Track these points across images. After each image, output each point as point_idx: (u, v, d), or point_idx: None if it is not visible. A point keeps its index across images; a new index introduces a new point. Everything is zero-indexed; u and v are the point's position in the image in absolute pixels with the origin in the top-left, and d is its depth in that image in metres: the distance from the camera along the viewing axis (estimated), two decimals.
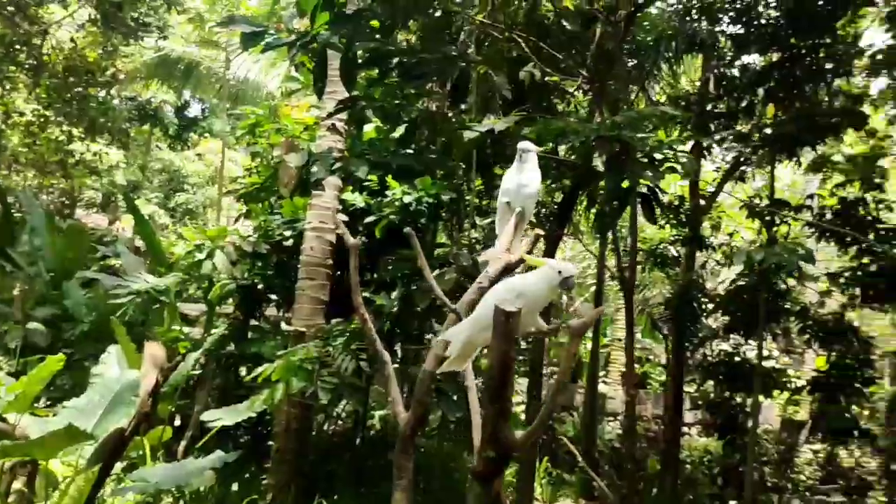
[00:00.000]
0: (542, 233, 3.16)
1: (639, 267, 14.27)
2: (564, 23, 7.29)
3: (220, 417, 7.32)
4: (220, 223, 17.62)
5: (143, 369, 4.73)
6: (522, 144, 3.12)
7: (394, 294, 7.32)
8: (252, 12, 16.10)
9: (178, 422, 9.06)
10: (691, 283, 11.49)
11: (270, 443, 8.12)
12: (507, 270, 2.95)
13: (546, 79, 7.01)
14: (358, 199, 8.09)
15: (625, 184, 4.92)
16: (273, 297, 9.11)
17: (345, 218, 8.21)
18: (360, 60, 5.31)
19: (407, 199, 7.62)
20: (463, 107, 6.83)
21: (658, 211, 5.79)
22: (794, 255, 7.53)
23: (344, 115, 7.65)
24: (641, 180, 4.77)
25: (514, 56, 7.09)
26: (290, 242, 8.45)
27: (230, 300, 9.34)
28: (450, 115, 6.27)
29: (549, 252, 10.84)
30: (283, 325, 8.52)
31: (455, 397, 6.75)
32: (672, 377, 12.17)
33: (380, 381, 10.95)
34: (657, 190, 5.12)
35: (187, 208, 21.83)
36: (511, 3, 6.47)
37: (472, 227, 10.60)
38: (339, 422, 10.77)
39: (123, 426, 4.46)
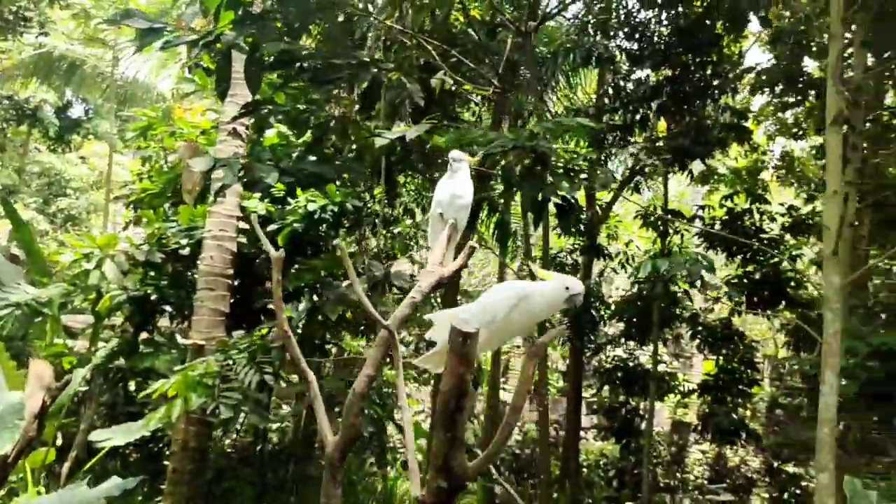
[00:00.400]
0: (476, 245, 3.09)
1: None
2: (471, 31, 7.29)
3: (111, 437, 6.87)
4: (107, 230, 16.72)
5: (27, 390, 4.34)
6: (454, 154, 3.04)
7: (301, 305, 7.10)
8: (141, 9, 15.34)
9: (59, 441, 8.48)
10: (590, 291, 11.75)
11: (166, 462, 7.72)
12: (440, 284, 2.87)
13: (454, 87, 6.99)
14: (260, 207, 7.83)
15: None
16: (167, 308, 8.67)
17: (245, 226, 7.96)
18: (266, 62, 5.12)
19: (311, 206, 7.43)
20: (371, 113, 6.71)
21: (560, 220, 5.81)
22: (697, 264, 7.81)
23: (245, 119, 7.41)
24: (559, 191, 4.81)
25: (421, 63, 7.04)
26: (186, 251, 8.08)
27: (119, 312, 8.84)
28: (359, 121, 6.13)
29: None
30: (180, 339, 8.12)
31: (366, 412, 6.59)
32: (571, 383, 12.42)
33: (280, 393, 10.66)
34: (573, 201, 5.17)
35: (69, 214, 20.61)
36: (422, 11, 6.40)
37: (374, 236, 10.49)
38: (236, 436, 10.40)
39: (6, 453, 4.08)
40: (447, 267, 2.87)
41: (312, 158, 7.17)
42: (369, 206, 9.97)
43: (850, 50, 10.24)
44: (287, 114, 5.25)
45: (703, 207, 11.80)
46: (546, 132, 4.84)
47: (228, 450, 10.34)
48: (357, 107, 6.59)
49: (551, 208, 5.19)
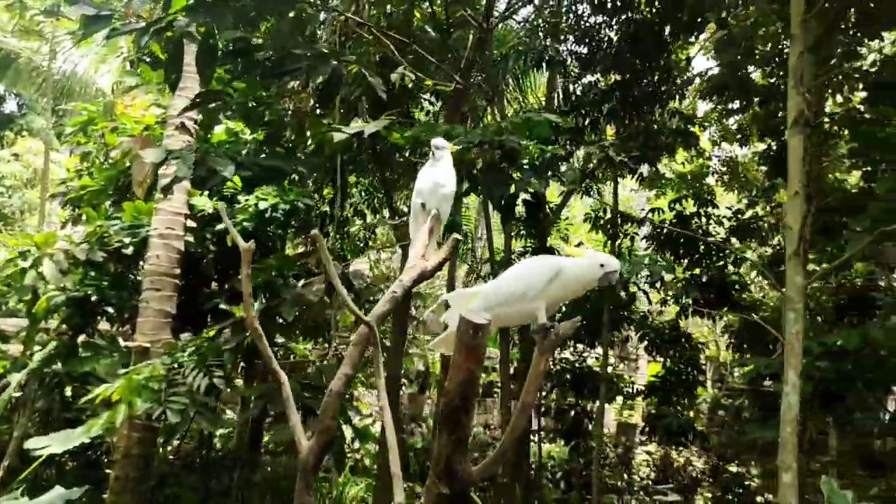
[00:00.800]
0: (459, 237, 2.96)
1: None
2: (428, 28, 7.19)
3: (49, 445, 6.52)
4: (43, 230, 16.04)
5: None
6: (437, 141, 2.90)
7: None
8: None
9: None
10: None
11: (107, 471, 7.40)
12: (423, 278, 2.74)
13: (410, 84, 6.88)
14: (208, 205, 7.59)
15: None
16: (109, 310, 8.32)
17: (193, 224, 7.70)
18: (219, 52, 4.93)
19: (263, 205, 7.24)
20: (327, 110, 6.54)
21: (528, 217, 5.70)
22: (657, 265, 7.85)
23: (194, 114, 7.16)
24: (529, 188, 4.72)
25: (377, 59, 6.91)
26: (130, 250, 7.75)
27: (56, 314, 8.45)
28: (317, 115, 5.96)
29: (400, 268, 10.71)
30: (122, 341, 7.79)
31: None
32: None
33: (223, 398, 10.35)
34: (542, 198, 5.09)
35: (1, 213, 19.76)
36: (382, 2, 6.27)
37: (325, 237, 10.29)
38: (180, 442, 10.08)
39: None
40: (430, 260, 2.74)
41: (264, 155, 6.97)
42: (319, 206, 9.77)
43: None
44: (241, 107, 5.04)
45: (652, 210, 11.92)
46: (513, 127, 4.75)
47: (171, 456, 10.02)
48: (312, 102, 6.42)
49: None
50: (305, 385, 6.47)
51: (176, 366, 6.50)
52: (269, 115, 5.22)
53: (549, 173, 4.97)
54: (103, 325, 9.15)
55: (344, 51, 6.94)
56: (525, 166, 4.89)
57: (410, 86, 6.36)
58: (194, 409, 6.41)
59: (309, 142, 5.92)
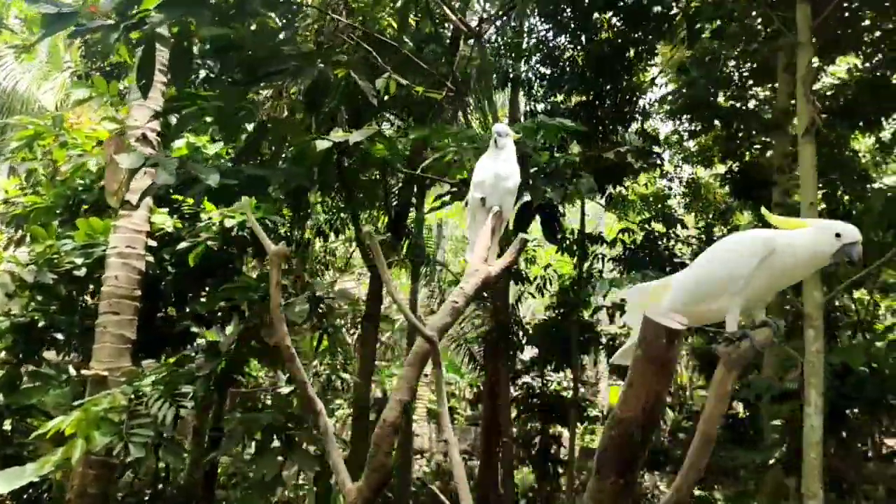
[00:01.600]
0: (527, 237, 2.61)
1: None
2: (406, 39, 6.95)
3: None
4: None
5: None
6: (499, 127, 2.54)
7: (229, 329, 6.40)
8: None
9: None
10: (509, 316, 11.51)
11: None
12: (487, 285, 2.39)
13: (395, 91, 6.59)
14: (168, 223, 7.13)
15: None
16: (58, 336, 7.71)
17: (153, 243, 7.21)
18: (195, 51, 4.55)
19: (229, 222, 6.81)
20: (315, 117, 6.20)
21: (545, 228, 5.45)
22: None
23: (155, 125, 6.73)
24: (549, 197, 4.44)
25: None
26: (82, 272, 7.18)
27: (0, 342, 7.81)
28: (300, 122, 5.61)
29: (375, 287, 10.32)
30: (72, 369, 7.21)
31: (310, 448, 5.90)
32: (488, 411, 12.09)
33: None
34: (557, 208, 4.81)
35: None
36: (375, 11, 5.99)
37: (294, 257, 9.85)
38: (134, 478, 9.43)
39: None
40: (494, 265, 2.39)
41: (232, 165, 6.56)
42: (278, 227, 9.36)
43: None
44: (219, 113, 4.62)
45: (622, 231, 11.84)
46: (526, 131, 4.47)
47: (120, 493, 9.35)
48: (287, 111, 6.07)
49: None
50: (292, 415, 5.99)
51: (135, 396, 5.98)
52: (248, 123, 4.83)
53: (563, 181, 4.71)
54: (48, 354, 8.54)
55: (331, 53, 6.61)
56: (538, 174, 4.62)
57: (386, 97, 6.05)
58: (166, 444, 5.93)
59: (283, 152, 5.56)
